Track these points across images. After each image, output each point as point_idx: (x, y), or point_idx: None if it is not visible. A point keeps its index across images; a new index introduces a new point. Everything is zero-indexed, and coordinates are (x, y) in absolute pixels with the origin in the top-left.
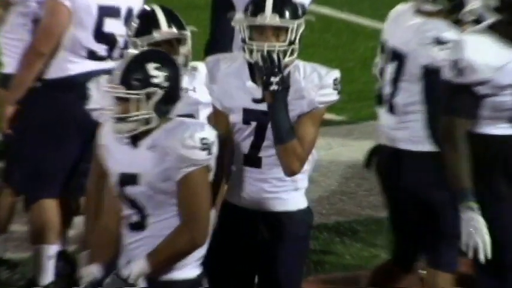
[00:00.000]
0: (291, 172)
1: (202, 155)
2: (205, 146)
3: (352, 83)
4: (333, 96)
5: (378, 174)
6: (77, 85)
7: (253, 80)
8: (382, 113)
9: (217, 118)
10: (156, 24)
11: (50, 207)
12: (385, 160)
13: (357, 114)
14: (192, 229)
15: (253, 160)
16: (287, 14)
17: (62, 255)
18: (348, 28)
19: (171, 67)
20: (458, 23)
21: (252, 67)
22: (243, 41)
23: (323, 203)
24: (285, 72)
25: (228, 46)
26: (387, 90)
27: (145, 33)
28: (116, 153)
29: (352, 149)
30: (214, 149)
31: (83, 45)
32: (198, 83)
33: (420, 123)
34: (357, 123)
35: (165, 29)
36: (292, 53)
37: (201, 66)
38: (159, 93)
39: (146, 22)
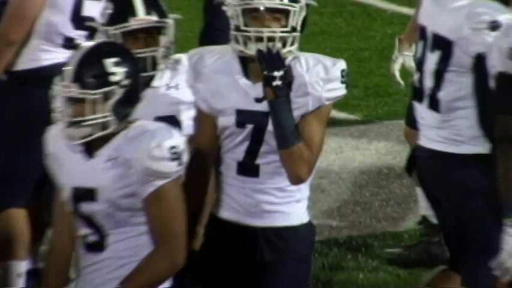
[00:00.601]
0: (298, 180)
1: (172, 166)
2: (175, 156)
3: (367, 76)
4: (341, 90)
5: (419, 181)
6: (51, 78)
7: (247, 76)
8: (421, 109)
9: (203, 122)
10: (132, 11)
11: (19, 218)
12: (425, 163)
13: (373, 113)
14: (170, 251)
15: (250, 168)
16: None
17: (33, 273)
18: (363, 12)
19: (131, 62)
20: (506, 2)
21: (244, 61)
22: (237, 28)
23: (333, 214)
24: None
25: (226, 33)
26: (428, 83)
27: (120, 21)
28: (68, 164)
29: (367, 153)
30: (185, 158)
31: (58, 31)
32: (181, 79)
33: (467, 122)
34: (373, 123)
35: (142, 16)
36: (293, 42)
37: (185, 59)
38: (119, 92)
39: (121, 8)
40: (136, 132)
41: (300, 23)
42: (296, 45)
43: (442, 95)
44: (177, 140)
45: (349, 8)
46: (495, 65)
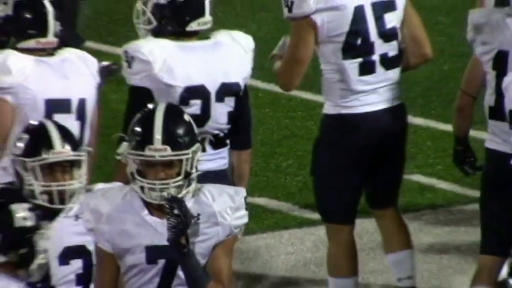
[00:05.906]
0: None
1: None
2: None
3: None
4: (245, 218)
5: None
6: None
7: (151, 212)
8: None
9: (106, 264)
10: (49, 143)
11: None
12: None
13: None
14: None
15: None
16: (180, 142)
17: None
18: None
19: None
20: None
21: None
22: (132, 176)
23: None
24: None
25: None
26: None
27: (35, 154)
28: None
29: None
30: None
31: None
32: None
33: None
34: None
35: (59, 149)
36: (189, 184)
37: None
38: None
39: (37, 139)
40: None
41: (195, 164)
42: (193, 185)
43: None
44: None
45: (320, 110)
46: None
